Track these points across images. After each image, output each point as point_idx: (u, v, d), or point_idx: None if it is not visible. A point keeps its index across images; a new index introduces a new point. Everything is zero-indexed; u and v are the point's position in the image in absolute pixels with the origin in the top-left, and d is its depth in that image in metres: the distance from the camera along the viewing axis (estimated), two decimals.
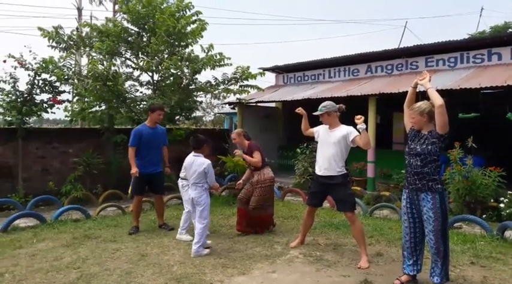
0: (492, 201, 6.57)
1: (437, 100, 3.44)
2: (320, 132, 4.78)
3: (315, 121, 4.90)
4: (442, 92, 3.70)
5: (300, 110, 4.94)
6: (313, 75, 11.97)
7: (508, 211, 6.20)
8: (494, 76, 7.87)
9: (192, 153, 4.98)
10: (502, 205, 6.36)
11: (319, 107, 4.65)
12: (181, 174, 5.44)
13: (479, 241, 5.16)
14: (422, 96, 3.78)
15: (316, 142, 4.87)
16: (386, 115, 10.57)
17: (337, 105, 4.66)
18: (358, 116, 4.30)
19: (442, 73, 9.13)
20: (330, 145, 4.54)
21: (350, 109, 8.42)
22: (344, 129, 4.55)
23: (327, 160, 4.54)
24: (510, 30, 17.58)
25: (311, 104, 9.98)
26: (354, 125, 4.41)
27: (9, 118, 7.97)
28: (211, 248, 4.92)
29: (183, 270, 4.22)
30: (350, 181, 4.81)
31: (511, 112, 7.26)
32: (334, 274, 4.14)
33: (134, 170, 5.55)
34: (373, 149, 8.77)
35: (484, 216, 6.25)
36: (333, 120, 4.64)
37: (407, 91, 3.94)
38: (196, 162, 4.85)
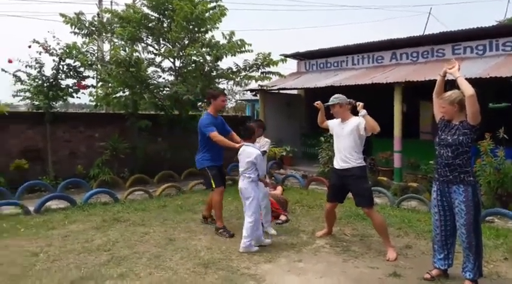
0: None
1: (468, 89, 3.33)
2: (334, 125, 4.76)
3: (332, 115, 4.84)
4: (470, 81, 3.56)
5: (318, 104, 4.87)
6: (336, 62, 11.76)
7: None
8: None
9: (244, 143, 4.75)
10: None
11: (331, 98, 4.62)
12: None
13: None
14: (451, 85, 3.67)
15: (331, 136, 4.83)
16: (413, 104, 10.35)
17: (348, 99, 4.63)
18: (358, 103, 4.38)
19: (470, 61, 8.84)
20: (344, 137, 4.52)
21: (375, 97, 8.33)
22: (355, 120, 4.52)
23: (343, 153, 4.51)
24: None
25: (334, 91, 9.88)
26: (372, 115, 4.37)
27: (37, 103, 8.14)
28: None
29: (210, 256, 4.27)
30: (368, 174, 4.78)
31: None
32: (361, 265, 4.11)
33: (238, 145, 4.85)
34: (399, 138, 8.61)
35: None
36: (345, 112, 4.60)
37: (433, 80, 3.83)
38: (245, 152, 4.64)
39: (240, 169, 4.66)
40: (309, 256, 4.36)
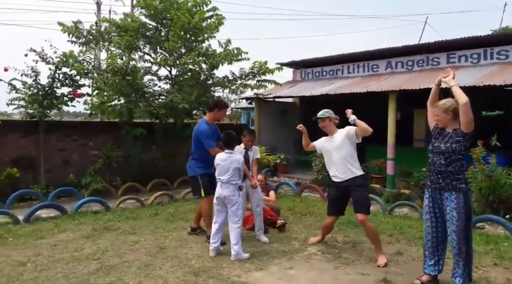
0: None
1: (462, 98, 3.36)
2: (322, 143, 4.77)
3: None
4: (464, 89, 3.60)
5: (301, 127, 4.88)
6: (331, 70, 11.84)
7: None
8: None
9: (225, 151, 4.68)
10: None
11: (321, 112, 4.65)
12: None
13: (503, 242, 5.03)
14: (445, 93, 3.69)
15: (320, 155, 4.84)
16: (407, 112, 10.40)
17: (335, 115, 4.70)
18: (347, 110, 4.43)
19: (465, 69, 8.91)
20: (338, 149, 4.53)
21: (369, 105, 8.37)
22: (344, 130, 4.57)
23: (342, 165, 4.50)
24: None
25: (329, 100, 9.98)
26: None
27: (31, 111, 8.12)
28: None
29: (201, 264, 4.24)
30: (367, 183, 4.76)
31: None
32: (352, 272, 4.10)
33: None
34: (392, 146, 8.66)
35: (507, 216, 6.08)
36: (332, 126, 4.66)
37: (428, 88, 3.88)
38: (230, 159, 4.57)
39: (223, 177, 4.56)
40: (300, 263, 4.34)
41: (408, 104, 9.74)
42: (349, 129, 4.52)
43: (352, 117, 4.39)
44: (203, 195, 5.05)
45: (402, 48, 10.09)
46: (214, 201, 4.67)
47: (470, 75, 8.29)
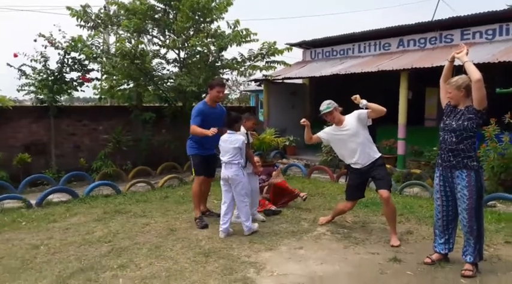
0: None
1: (475, 74, 3.28)
2: (330, 135, 4.64)
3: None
4: (479, 66, 3.50)
5: (304, 122, 4.72)
6: (342, 50, 11.61)
7: None
8: None
9: (228, 131, 4.73)
10: None
11: (325, 106, 4.48)
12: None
13: None
14: (459, 71, 3.60)
15: (324, 146, 4.70)
16: (419, 91, 10.21)
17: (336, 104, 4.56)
18: (353, 96, 4.30)
19: (479, 46, 8.67)
20: (353, 136, 4.41)
21: (381, 85, 8.22)
22: (353, 116, 4.46)
23: (361, 152, 4.40)
24: None
25: (339, 80, 9.85)
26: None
27: (41, 97, 8.17)
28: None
29: (211, 245, 4.27)
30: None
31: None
32: (362, 251, 4.10)
33: (210, 131, 4.68)
34: (403, 126, 8.54)
35: None
36: (339, 115, 4.53)
37: (441, 66, 3.78)
38: (230, 139, 4.62)
39: (225, 158, 4.62)
40: (309, 243, 4.35)
41: (420, 83, 9.56)
42: (359, 113, 4.41)
43: (363, 102, 4.27)
44: (193, 174, 5.16)
45: (415, 26, 9.82)
46: (221, 181, 4.73)
47: (485, 51, 8.06)
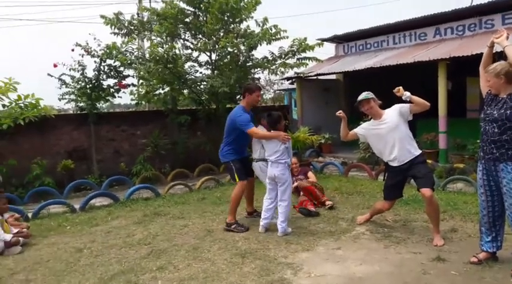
0: None
1: None
2: (368, 130, 4.43)
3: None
4: None
5: (340, 113, 4.56)
6: (376, 42, 11.30)
7: None
8: None
9: (271, 131, 4.77)
10: None
11: (364, 94, 4.30)
12: (257, 155, 5.13)
13: None
14: (499, 56, 3.39)
15: (362, 143, 4.53)
16: (459, 81, 9.77)
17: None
18: (396, 89, 4.08)
19: None
20: (392, 132, 4.19)
21: (418, 76, 7.92)
22: (394, 110, 4.25)
23: (401, 148, 4.20)
24: None
25: (374, 74, 9.59)
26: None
27: (81, 104, 8.49)
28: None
29: (248, 246, 4.27)
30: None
31: None
32: (403, 250, 3.95)
33: (282, 133, 4.70)
34: (444, 118, 8.20)
35: None
36: (377, 108, 4.33)
37: (481, 54, 3.57)
38: (278, 139, 4.62)
39: (273, 157, 4.64)
40: (348, 243, 4.25)
41: (460, 72, 9.14)
42: (400, 107, 4.21)
43: (406, 94, 4.06)
44: (237, 180, 4.97)
45: (451, 13, 9.39)
46: (267, 180, 4.78)
47: None
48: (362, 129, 4.51)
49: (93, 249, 4.42)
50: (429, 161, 7.79)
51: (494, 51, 3.49)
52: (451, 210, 5.15)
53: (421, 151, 4.30)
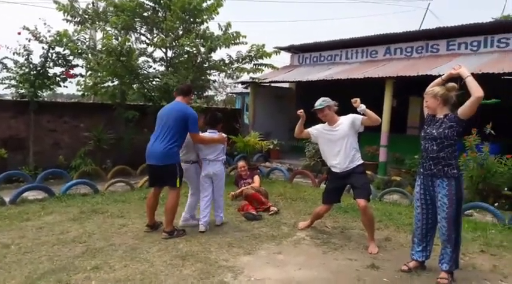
0: (506, 189, 6.39)
1: (478, 91, 3.30)
2: (320, 132, 4.61)
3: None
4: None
5: (301, 112, 4.69)
6: (329, 55, 11.67)
7: None
8: None
9: (208, 130, 4.95)
10: None
11: (319, 102, 4.46)
12: (193, 157, 4.99)
13: (491, 229, 5.06)
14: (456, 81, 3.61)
15: (315, 143, 4.70)
16: (402, 99, 10.32)
17: (333, 101, 4.53)
18: (354, 99, 4.26)
19: (464, 57, 8.80)
20: (341, 140, 4.39)
21: (366, 92, 8.26)
22: (347, 118, 4.44)
23: (345, 156, 4.39)
24: None
25: (326, 86, 9.86)
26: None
27: (22, 91, 7.99)
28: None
29: (189, 248, 4.21)
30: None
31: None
32: (340, 257, 4.09)
33: (223, 138, 4.94)
34: (386, 133, 8.61)
35: (496, 204, 6.09)
36: (333, 115, 4.51)
37: (426, 75, 3.81)
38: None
39: (211, 156, 4.89)
40: (289, 248, 4.33)
41: (404, 91, 9.66)
42: (354, 118, 4.39)
43: (361, 107, 4.24)
44: (178, 185, 4.61)
45: (401, 34, 9.93)
46: (204, 178, 4.92)
47: (469, 62, 8.17)
48: (315, 130, 4.68)
49: (22, 245, 4.14)
50: (369, 172, 8.15)
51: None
52: (386, 220, 5.40)
53: (361, 162, 4.48)
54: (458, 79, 3.52)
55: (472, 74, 3.48)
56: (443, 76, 3.63)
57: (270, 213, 5.61)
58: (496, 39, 8.69)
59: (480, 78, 7.26)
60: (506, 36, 8.57)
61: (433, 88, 3.58)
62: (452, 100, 3.55)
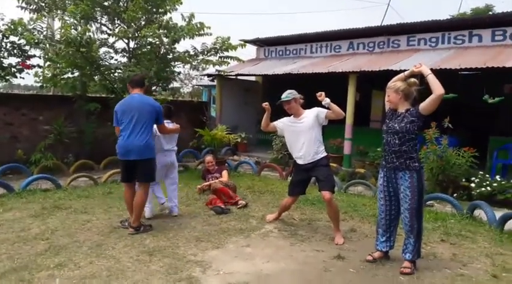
0: (464, 180, 6.72)
1: (439, 89, 3.41)
2: (285, 124, 4.68)
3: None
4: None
5: (266, 105, 4.72)
6: (294, 49, 11.78)
7: (478, 190, 6.36)
8: (474, 57, 7.91)
9: (165, 121, 4.93)
10: (473, 184, 6.52)
11: (286, 94, 4.53)
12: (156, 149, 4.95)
13: (450, 219, 5.28)
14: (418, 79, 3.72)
15: (282, 137, 4.77)
16: (365, 93, 10.57)
17: (299, 94, 4.61)
18: (319, 93, 4.35)
19: (423, 52, 9.12)
20: (305, 132, 4.48)
21: (330, 86, 8.40)
22: (312, 112, 4.52)
23: (309, 148, 4.47)
24: (491, 13, 17.71)
25: (292, 79, 9.95)
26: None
27: None
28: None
29: (156, 243, 4.16)
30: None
31: (488, 95, 7.33)
32: (308, 248, 4.17)
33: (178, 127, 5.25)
34: (350, 126, 8.81)
35: (455, 195, 6.40)
36: (298, 107, 4.59)
37: (387, 70, 3.90)
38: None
39: (169, 146, 5.13)
40: (257, 241, 4.36)
41: (367, 85, 9.89)
42: (318, 111, 4.47)
43: (326, 100, 4.33)
44: (152, 180, 4.68)
45: (364, 29, 10.15)
46: (162, 168, 5.10)
47: (428, 58, 8.48)
48: (281, 123, 4.74)
49: None
50: (334, 165, 8.33)
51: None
52: (351, 211, 5.55)
53: (325, 155, 4.57)
54: (418, 75, 3.65)
55: (431, 69, 3.61)
56: (406, 72, 3.74)
57: (239, 207, 5.63)
58: (453, 36, 9.05)
59: (439, 73, 7.59)
60: (462, 33, 8.94)
61: (395, 82, 3.69)
62: (413, 95, 3.66)
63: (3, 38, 7.69)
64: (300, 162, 4.58)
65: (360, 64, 9.12)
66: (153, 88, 9.48)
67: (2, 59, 7.81)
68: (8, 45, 7.80)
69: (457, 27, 9.07)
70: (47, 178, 6.46)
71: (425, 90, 3.59)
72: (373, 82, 9.36)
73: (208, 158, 6.71)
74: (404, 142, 3.57)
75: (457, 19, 12.85)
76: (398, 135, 3.59)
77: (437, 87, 3.42)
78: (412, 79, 3.66)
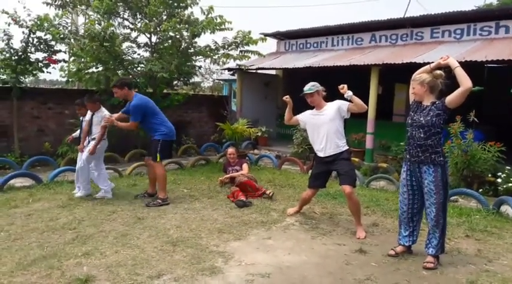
0: (490, 175, 6.56)
1: (467, 82, 3.35)
2: (307, 117, 4.69)
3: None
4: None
5: (287, 98, 4.75)
6: (315, 42, 11.67)
7: (504, 186, 6.20)
8: (501, 49, 7.68)
9: (89, 112, 5.77)
10: (499, 180, 6.34)
11: (309, 86, 4.53)
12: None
13: (475, 214, 5.18)
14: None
15: (303, 130, 4.77)
16: (388, 86, 10.42)
17: (321, 87, 4.59)
18: (341, 86, 4.31)
19: (448, 45, 8.91)
20: (327, 125, 4.47)
21: (352, 78, 8.34)
22: (334, 104, 4.50)
23: (330, 141, 4.46)
24: None
25: (313, 72, 9.90)
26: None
27: (4, 77, 7.79)
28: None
29: (179, 234, 4.23)
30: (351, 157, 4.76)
31: None
32: (329, 242, 4.16)
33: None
34: (372, 120, 8.70)
35: (480, 190, 6.25)
36: (321, 100, 4.58)
37: (410, 63, 3.84)
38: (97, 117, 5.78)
39: (94, 134, 5.74)
40: (278, 233, 4.38)
41: (390, 78, 9.75)
42: (341, 104, 4.45)
43: (349, 93, 4.30)
44: (159, 159, 5.47)
45: (386, 22, 9.98)
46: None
47: (453, 50, 8.29)
48: (303, 116, 4.75)
49: (12, 232, 4.12)
50: (356, 159, 8.28)
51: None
52: (373, 206, 5.51)
53: (347, 148, 4.55)
54: (444, 68, 3.58)
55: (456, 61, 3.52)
56: (432, 64, 3.66)
57: (270, 195, 5.74)
58: (479, 28, 8.80)
59: (464, 66, 7.42)
60: (488, 25, 8.69)
61: (420, 75, 3.62)
62: (439, 88, 3.60)
63: (30, 34, 7.85)
64: (320, 154, 4.57)
65: (382, 57, 8.97)
66: (174, 82, 9.58)
67: (29, 54, 7.98)
68: (35, 40, 7.96)
69: (483, 18, 8.81)
70: (74, 170, 6.55)
71: (450, 83, 3.52)
72: (396, 75, 9.21)
73: (231, 150, 6.76)
74: (429, 136, 3.52)
75: (484, 10, 12.50)
76: (424, 128, 3.53)
77: (465, 80, 3.35)
78: (438, 72, 3.59)
